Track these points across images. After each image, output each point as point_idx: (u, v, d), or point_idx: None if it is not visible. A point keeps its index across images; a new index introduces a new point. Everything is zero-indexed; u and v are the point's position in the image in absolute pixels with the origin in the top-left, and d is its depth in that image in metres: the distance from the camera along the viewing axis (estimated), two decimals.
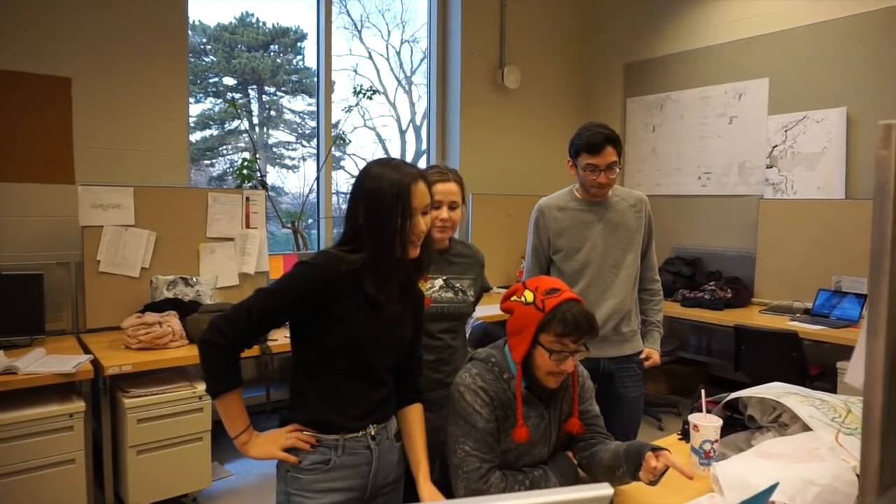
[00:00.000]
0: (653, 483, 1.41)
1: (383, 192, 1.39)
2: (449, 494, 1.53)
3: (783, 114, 4.36)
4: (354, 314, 1.42)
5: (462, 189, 1.94)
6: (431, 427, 1.67)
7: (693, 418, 1.57)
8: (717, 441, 1.53)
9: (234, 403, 1.42)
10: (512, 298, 1.59)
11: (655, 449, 1.43)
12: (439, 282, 1.92)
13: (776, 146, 4.40)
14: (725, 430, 1.60)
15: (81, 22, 3.35)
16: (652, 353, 2.41)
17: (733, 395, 1.67)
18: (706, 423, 1.54)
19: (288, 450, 1.43)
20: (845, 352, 3.23)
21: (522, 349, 1.52)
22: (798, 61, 4.28)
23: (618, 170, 2.25)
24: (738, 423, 1.68)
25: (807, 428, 1.46)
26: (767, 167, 4.45)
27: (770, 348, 3.51)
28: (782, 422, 1.57)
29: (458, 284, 1.95)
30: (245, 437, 1.43)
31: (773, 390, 1.63)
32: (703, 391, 1.64)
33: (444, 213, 1.87)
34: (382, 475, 1.52)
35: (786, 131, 4.34)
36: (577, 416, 1.62)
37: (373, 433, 1.49)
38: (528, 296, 1.54)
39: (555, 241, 2.34)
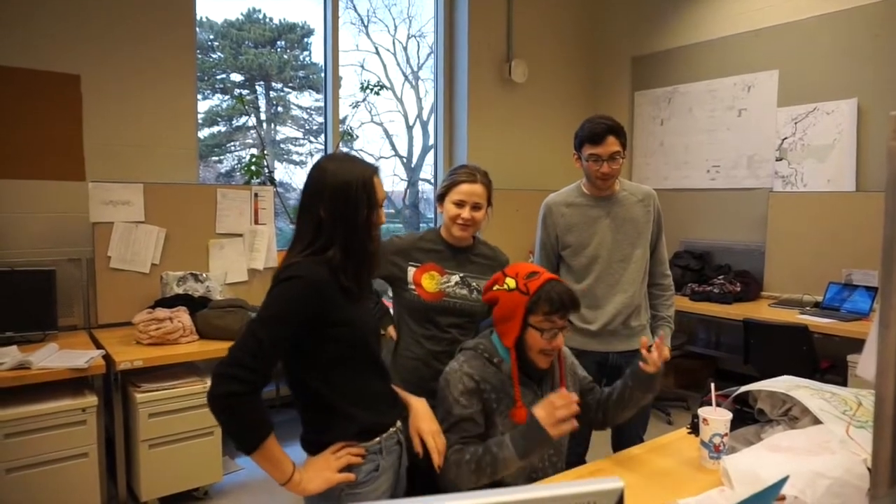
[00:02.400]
0: (655, 374, 1.63)
1: (350, 184, 1.39)
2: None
3: (793, 106, 4.32)
4: (349, 313, 1.40)
5: (489, 191, 1.98)
6: None
7: (703, 412, 1.57)
8: (726, 435, 1.53)
9: (275, 448, 1.28)
10: (494, 288, 1.65)
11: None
12: (456, 277, 1.96)
13: (786, 138, 4.37)
14: (735, 424, 1.60)
15: (90, 19, 3.37)
16: (662, 349, 2.32)
17: (743, 388, 1.66)
18: (716, 417, 1.53)
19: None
20: (856, 345, 3.21)
21: (514, 333, 1.58)
22: (808, 53, 4.24)
23: (621, 160, 2.25)
24: (748, 417, 1.68)
25: (817, 421, 1.46)
26: (777, 160, 4.42)
27: (780, 342, 3.50)
28: (792, 415, 1.57)
29: (474, 283, 1.97)
30: (297, 476, 1.30)
31: (782, 384, 1.63)
32: (712, 385, 1.63)
33: (465, 212, 1.92)
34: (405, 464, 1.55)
35: (795, 123, 4.31)
36: (575, 386, 1.74)
37: (399, 426, 1.51)
38: (511, 282, 1.60)
39: (563, 238, 2.35)
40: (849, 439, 1.35)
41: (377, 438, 1.42)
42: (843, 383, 3.05)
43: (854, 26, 4.00)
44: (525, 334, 1.57)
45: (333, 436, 1.38)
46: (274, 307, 1.32)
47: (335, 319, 1.37)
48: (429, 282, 1.93)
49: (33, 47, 3.22)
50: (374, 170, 1.45)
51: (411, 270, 1.94)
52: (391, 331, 2.10)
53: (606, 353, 2.27)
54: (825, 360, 3.46)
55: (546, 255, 2.43)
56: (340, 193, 1.39)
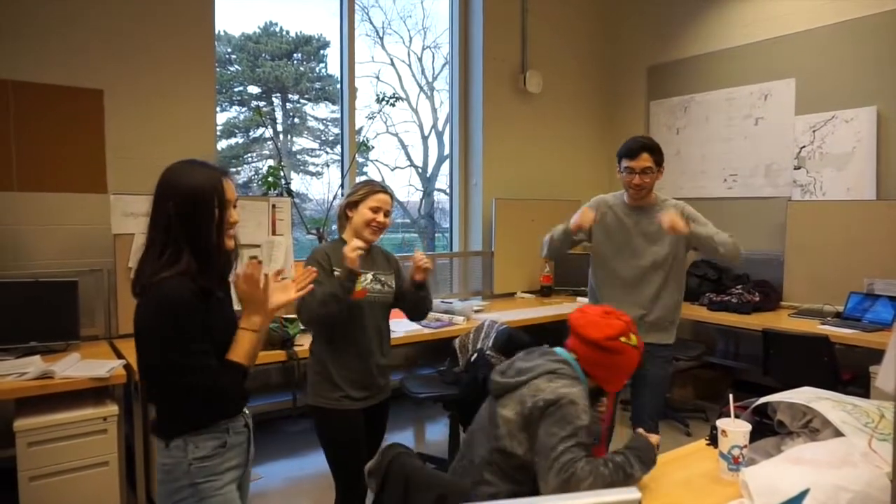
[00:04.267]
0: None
1: (199, 186, 1.48)
2: None
3: (811, 114, 4.29)
4: (217, 316, 1.52)
5: (392, 200, 2.34)
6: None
7: (721, 423, 1.55)
8: (745, 446, 1.52)
9: (240, 344, 1.52)
10: (622, 339, 1.70)
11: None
12: (369, 276, 2.28)
13: (804, 147, 4.33)
14: (754, 436, 1.58)
15: (113, 36, 3.44)
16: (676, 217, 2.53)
17: (762, 399, 1.65)
18: (735, 428, 1.52)
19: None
20: (878, 356, 3.13)
21: (620, 385, 1.75)
22: (825, 61, 4.21)
23: (654, 175, 2.62)
24: (768, 429, 1.66)
25: (838, 434, 1.44)
26: (795, 168, 4.38)
27: (800, 352, 3.45)
28: (813, 427, 1.55)
29: (382, 278, 2.33)
30: (259, 317, 1.55)
31: (803, 395, 1.61)
32: (731, 396, 1.62)
33: (380, 216, 2.25)
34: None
35: (814, 132, 4.27)
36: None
37: (246, 412, 1.64)
38: (633, 339, 1.70)
39: (594, 229, 2.74)
40: (871, 452, 1.33)
41: (222, 421, 1.55)
42: (866, 395, 3.00)
43: (872, 34, 3.97)
44: None
45: (186, 421, 1.51)
46: (173, 331, 1.43)
47: (210, 324, 1.50)
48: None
49: (58, 64, 3.30)
50: (222, 172, 1.55)
51: (336, 274, 2.19)
52: None
53: None
54: (847, 372, 3.41)
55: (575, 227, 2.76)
56: (191, 195, 1.47)
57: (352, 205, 2.27)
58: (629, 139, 2.69)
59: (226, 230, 1.53)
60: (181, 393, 1.47)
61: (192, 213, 1.47)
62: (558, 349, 1.76)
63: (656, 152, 2.61)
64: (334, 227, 2.58)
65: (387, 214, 2.29)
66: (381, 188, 2.30)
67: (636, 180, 2.60)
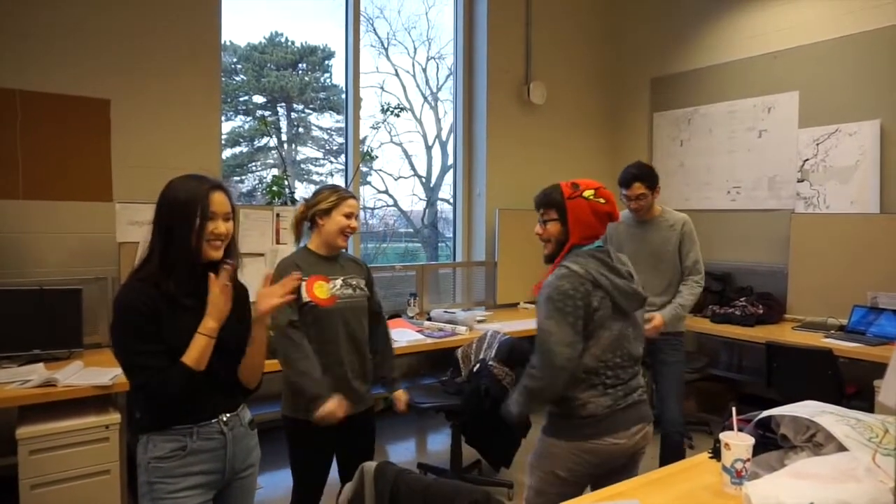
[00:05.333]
0: None
1: (179, 197, 1.55)
2: None
3: (814, 127, 4.30)
4: (174, 323, 1.55)
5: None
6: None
7: (724, 436, 1.55)
8: (748, 460, 1.51)
9: (195, 348, 1.54)
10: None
11: None
12: (339, 282, 2.28)
13: (807, 160, 4.34)
14: (757, 449, 1.57)
15: (120, 47, 3.47)
16: (655, 316, 2.92)
17: (765, 413, 1.64)
18: (738, 442, 1.51)
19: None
20: (882, 370, 3.09)
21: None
22: (829, 74, 4.22)
23: (650, 197, 3.05)
24: (771, 442, 1.65)
25: (842, 448, 1.43)
26: (799, 181, 4.39)
27: (804, 366, 3.44)
28: (817, 441, 1.54)
29: (353, 282, 2.33)
30: (213, 325, 1.56)
31: (806, 409, 1.60)
32: (734, 409, 1.61)
33: (353, 222, 2.29)
34: (240, 458, 1.69)
35: (817, 144, 4.28)
36: None
37: (224, 419, 1.65)
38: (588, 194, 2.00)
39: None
40: (875, 467, 1.33)
41: (189, 424, 1.59)
42: (870, 409, 2.98)
43: (876, 48, 3.99)
44: None
45: (147, 420, 1.59)
46: (124, 333, 1.54)
47: (167, 329, 1.55)
48: (320, 290, 2.21)
49: (65, 73, 3.33)
50: (213, 185, 1.59)
51: (302, 285, 2.17)
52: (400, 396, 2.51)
53: None
54: (851, 385, 3.39)
55: None
56: (171, 204, 1.55)
57: (323, 212, 2.25)
58: (624, 169, 3.09)
59: (206, 240, 1.56)
60: (133, 391, 1.55)
61: (168, 223, 1.55)
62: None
63: (647, 178, 3.02)
64: None
65: (357, 219, 2.33)
66: (350, 194, 2.32)
67: (633, 205, 3.08)
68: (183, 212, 1.53)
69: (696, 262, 3.10)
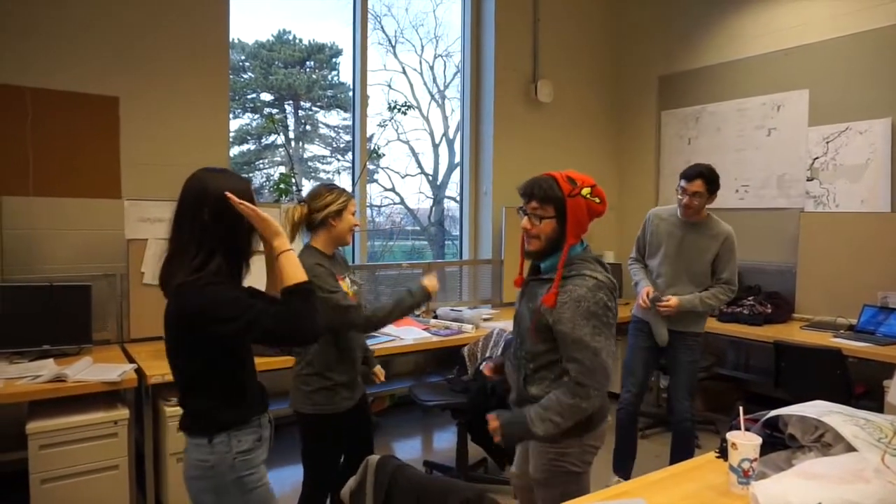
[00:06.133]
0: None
1: (235, 192, 1.51)
2: None
3: (824, 125, 4.27)
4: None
5: None
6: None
7: (731, 436, 1.54)
8: (756, 460, 1.51)
9: (294, 262, 1.56)
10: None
11: None
12: (348, 280, 2.39)
13: (817, 158, 4.31)
14: (765, 449, 1.57)
15: (129, 44, 3.49)
16: (672, 299, 3.02)
17: (773, 412, 1.63)
18: (745, 441, 1.51)
19: None
20: (892, 370, 3.11)
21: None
22: (839, 72, 4.19)
23: (702, 199, 2.99)
24: (779, 442, 1.64)
25: (850, 448, 1.42)
26: (808, 180, 4.36)
27: (812, 365, 3.42)
28: (825, 441, 1.53)
29: (353, 278, 2.48)
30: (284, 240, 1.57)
31: (814, 409, 1.59)
32: (741, 408, 1.61)
33: (357, 220, 2.40)
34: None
35: (827, 143, 4.25)
36: None
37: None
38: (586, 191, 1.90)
39: (649, 239, 3.22)
40: (884, 468, 1.32)
41: (261, 413, 1.65)
42: (879, 409, 2.97)
43: (887, 45, 3.95)
44: None
45: (234, 413, 1.57)
46: (232, 298, 1.49)
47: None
48: (345, 288, 2.31)
49: (75, 71, 3.35)
50: (249, 182, 1.63)
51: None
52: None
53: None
54: (860, 385, 3.37)
55: (637, 248, 3.31)
56: (224, 201, 1.49)
57: (335, 214, 2.29)
58: (691, 165, 3.09)
59: (253, 235, 1.59)
60: (261, 337, 1.50)
61: (230, 219, 1.51)
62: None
63: (711, 181, 2.99)
64: None
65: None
66: (349, 192, 2.42)
67: (685, 200, 3.01)
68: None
69: (731, 277, 3.07)
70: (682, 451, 3.09)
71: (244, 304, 1.47)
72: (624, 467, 3.26)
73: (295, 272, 1.52)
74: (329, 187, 2.35)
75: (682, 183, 3.02)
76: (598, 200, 1.84)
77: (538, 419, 1.78)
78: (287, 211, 2.35)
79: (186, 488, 1.60)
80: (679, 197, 3.04)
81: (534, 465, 1.92)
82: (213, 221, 1.50)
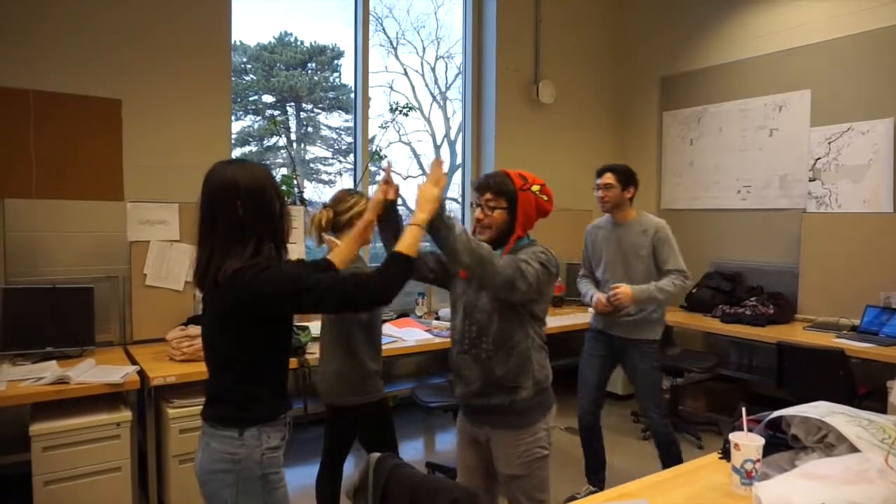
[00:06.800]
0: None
1: (263, 183, 1.55)
2: None
3: (826, 125, 4.26)
4: None
5: None
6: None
7: (734, 437, 1.54)
8: (758, 461, 1.50)
9: (408, 239, 1.62)
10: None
11: None
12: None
13: (819, 158, 4.30)
14: (768, 450, 1.56)
15: (132, 47, 3.50)
16: (623, 286, 2.93)
17: (776, 413, 1.63)
18: (747, 442, 1.51)
19: None
20: (895, 370, 3.11)
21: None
22: (841, 72, 4.19)
23: (616, 191, 3.03)
24: (782, 443, 1.64)
25: (854, 449, 1.42)
26: (810, 180, 4.35)
27: (815, 366, 3.41)
28: (828, 442, 1.53)
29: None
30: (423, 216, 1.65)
31: (817, 409, 1.59)
32: (743, 409, 1.61)
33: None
34: None
35: (829, 143, 4.24)
36: None
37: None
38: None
39: (591, 250, 3.26)
40: (888, 469, 1.32)
41: (286, 413, 1.65)
42: (882, 410, 2.95)
43: (889, 45, 3.95)
44: None
45: (269, 408, 1.58)
46: (296, 272, 1.56)
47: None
48: None
49: (77, 74, 3.36)
50: (267, 167, 1.67)
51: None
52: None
53: (611, 335, 3.12)
54: (863, 386, 3.37)
55: (584, 264, 3.32)
56: (258, 192, 1.53)
57: (359, 214, 2.35)
58: None
59: (286, 220, 1.62)
60: (337, 302, 1.54)
61: (266, 208, 1.54)
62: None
63: (620, 172, 3.05)
64: None
65: None
66: (360, 196, 2.50)
67: (599, 194, 3.08)
68: (272, 193, 1.56)
69: (678, 266, 2.98)
70: (668, 458, 3.06)
71: (314, 276, 1.54)
72: (596, 477, 3.23)
73: (411, 245, 1.60)
74: (350, 192, 2.50)
75: (596, 181, 3.11)
76: (545, 198, 2.00)
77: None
78: (313, 216, 2.43)
79: (200, 483, 1.59)
80: (596, 196, 3.11)
81: (506, 463, 1.98)
82: (249, 214, 1.51)
